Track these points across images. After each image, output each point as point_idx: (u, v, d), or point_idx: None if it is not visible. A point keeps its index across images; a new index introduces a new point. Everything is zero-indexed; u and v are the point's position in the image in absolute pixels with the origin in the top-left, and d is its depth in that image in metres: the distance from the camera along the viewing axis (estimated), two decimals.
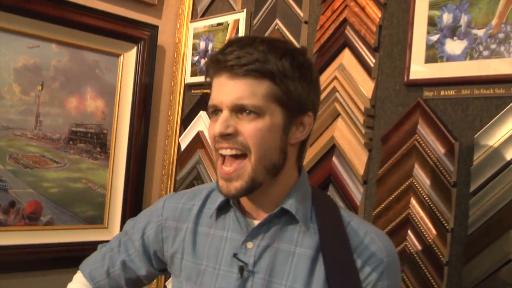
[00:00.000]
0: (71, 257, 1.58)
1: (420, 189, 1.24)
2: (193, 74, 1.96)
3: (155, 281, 1.95)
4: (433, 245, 1.20)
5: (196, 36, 1.96)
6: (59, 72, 1.73)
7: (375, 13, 1.39)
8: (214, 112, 0.91)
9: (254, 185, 0.88)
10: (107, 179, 1.86)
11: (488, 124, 1.15)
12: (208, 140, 1.77)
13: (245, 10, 1.77)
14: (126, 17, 1.86)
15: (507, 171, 1.11)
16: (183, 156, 1.95)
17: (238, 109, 0.87)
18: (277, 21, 1.66)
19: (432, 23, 1.27)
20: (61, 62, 1.73)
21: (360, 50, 1.41)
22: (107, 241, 1.17)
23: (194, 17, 2.02)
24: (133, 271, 1.10)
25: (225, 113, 0.87)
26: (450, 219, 1.19)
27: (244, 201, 0.96)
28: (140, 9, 1.94)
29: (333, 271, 0.87)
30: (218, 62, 0.88)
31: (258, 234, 0.93)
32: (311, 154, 1.48)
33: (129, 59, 1.89)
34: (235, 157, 0.88)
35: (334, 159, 1.43)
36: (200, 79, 1.92)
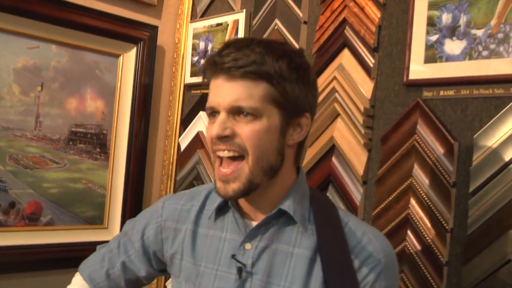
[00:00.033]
0: (71, 257, 1.57)
1: (419, 189, 1.24)
2: (193, 74, 1.96)
3: (155, 281, 1.95)
4: (433, 245, 1.20)
5: (196, 36, 1.95)
6: (59, 73, 1.73)
7: (375, 13, 1.39)
8: (212, 114, 0.91)
9: (252, 186, 0.88)
10: (107, 179, 1.86)
11: (488, 124, 1.15)
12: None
13: (244, 10, 1.77)
14: (125, 18, 1.86)
15: (506, 171, 1.11)
16: (183, 156, 1.95)
17: (235, 111, 0.87)
18: (277, 21, 1.65)
19: (431, 23, 1.26)
20: (61, 62, 1.73)
21: (360, 50, 1.41)
22: (106, 242, 1.17)
23: (193, 17, 2.01)
24: (133, 272, 1.10)
25: (222, 115, 0.87)
26: (450, 219, 1.19)
27: (242, 202, 0.96)
28: (139, 10, 1.94)
29: (331, 272, 0.87)
30: (215, 64, 0.88)
31: (256, 235, 0.93)
32: (310, 154, 1.48)
33: (129, 59, 1.89)
34: (233, 159, 0.88)
35: (333, 159, 1.43)
36: (200, 79, 1.92)
